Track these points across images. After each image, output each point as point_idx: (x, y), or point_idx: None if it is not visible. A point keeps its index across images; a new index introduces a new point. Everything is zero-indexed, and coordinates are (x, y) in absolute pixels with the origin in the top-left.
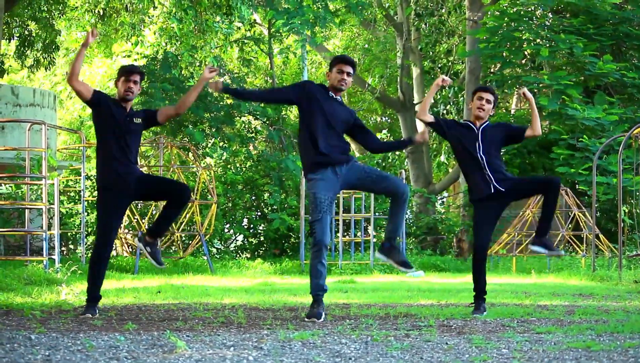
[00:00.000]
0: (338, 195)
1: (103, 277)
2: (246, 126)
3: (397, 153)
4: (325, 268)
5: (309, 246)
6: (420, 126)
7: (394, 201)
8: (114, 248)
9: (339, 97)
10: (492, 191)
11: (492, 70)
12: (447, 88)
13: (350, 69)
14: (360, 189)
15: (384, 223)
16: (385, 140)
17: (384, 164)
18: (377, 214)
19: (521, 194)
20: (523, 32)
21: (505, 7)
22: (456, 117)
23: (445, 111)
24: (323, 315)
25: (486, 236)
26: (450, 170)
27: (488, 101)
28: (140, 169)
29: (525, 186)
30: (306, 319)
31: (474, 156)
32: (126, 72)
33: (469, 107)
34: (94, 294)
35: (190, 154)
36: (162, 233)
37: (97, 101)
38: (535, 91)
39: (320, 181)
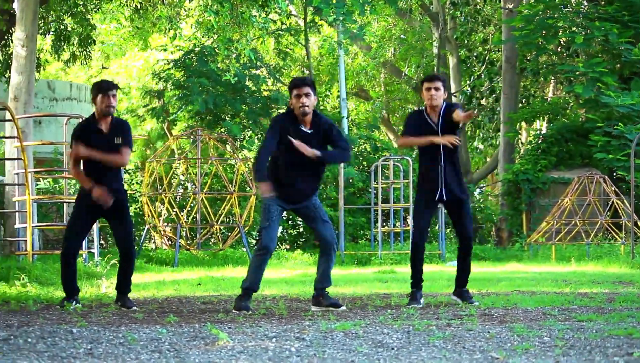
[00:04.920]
0: (376, 185)
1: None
2: None
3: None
4: (263, 272)
5: (348, 237)
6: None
7: (320, 249)
8: (152, 240)
9: (308, 130)
10: (437, 197)
11: (528, 58)
12: (482, 77)
13: (307, 90)
14: (300, 218)
15: None
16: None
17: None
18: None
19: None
20: (558, 20)
21: None
22: (492, 101)
23: (479, 95)
24: (250, 308)
25: (425, 222)
26: (488, 159)
27: (437, 89)
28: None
29: (456, 218)
30: (234, 310)
31: (434, 154)
32: (103, 89)
33: (422, 97)
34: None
35: (228, 147)
36: (127, 289)
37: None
38: (572, 78)
39: (275, 198)
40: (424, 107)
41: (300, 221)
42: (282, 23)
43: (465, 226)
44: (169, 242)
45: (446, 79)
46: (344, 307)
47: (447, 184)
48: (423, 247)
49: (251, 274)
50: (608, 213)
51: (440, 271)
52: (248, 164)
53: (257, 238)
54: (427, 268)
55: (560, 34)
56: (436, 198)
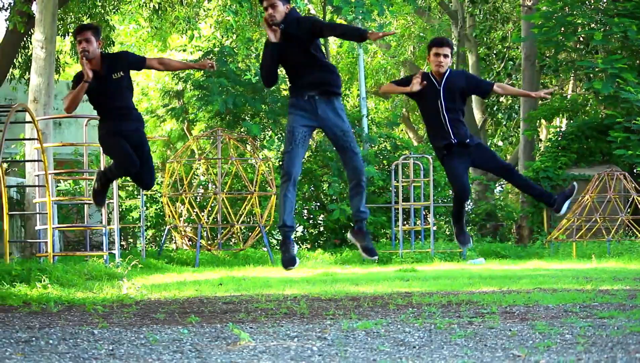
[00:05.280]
0: (396, 184)
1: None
2: None
3: None
4: (292, 203)
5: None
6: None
7: (349, 181)
8: (173, 241)
9: (290, 27)
10: (453, 141)
11: (547, 55)
12: (501, 74)
13: (272, 0)
14: (330, 140)
15: (443, 210)
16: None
17: None
18: (437, 202)
19: (481, 161)
20: (577, 17)
21: None
22: (511, 99)
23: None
24: (297, 259)
25: (457, 184)
26: (508, 157)
27: (445, 56)
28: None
29: (484, 161)
30: (282, 267)
31: (437, 114)
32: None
33: (428, 61)
34: None
35: (248, 146)
36: (108, 184)
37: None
38: (591, 75)
39: (298, 115)
40: (429, 71)
41: (320, 221)
42: None
43: (496, 160)
44: (190, 242)
45: (453, 45)
46: (376, 257)
47: (454, 130)
48: (465, 199)
49: (281, 210)
50: (628, 210)
51: (461, 270)
52: (268, 164)
53: (281, 163)
54: (448, 266)
55: (579, 30)
56: (451, 140)
